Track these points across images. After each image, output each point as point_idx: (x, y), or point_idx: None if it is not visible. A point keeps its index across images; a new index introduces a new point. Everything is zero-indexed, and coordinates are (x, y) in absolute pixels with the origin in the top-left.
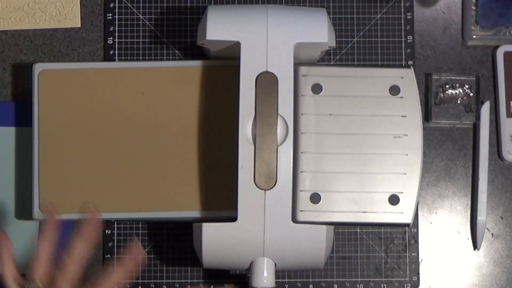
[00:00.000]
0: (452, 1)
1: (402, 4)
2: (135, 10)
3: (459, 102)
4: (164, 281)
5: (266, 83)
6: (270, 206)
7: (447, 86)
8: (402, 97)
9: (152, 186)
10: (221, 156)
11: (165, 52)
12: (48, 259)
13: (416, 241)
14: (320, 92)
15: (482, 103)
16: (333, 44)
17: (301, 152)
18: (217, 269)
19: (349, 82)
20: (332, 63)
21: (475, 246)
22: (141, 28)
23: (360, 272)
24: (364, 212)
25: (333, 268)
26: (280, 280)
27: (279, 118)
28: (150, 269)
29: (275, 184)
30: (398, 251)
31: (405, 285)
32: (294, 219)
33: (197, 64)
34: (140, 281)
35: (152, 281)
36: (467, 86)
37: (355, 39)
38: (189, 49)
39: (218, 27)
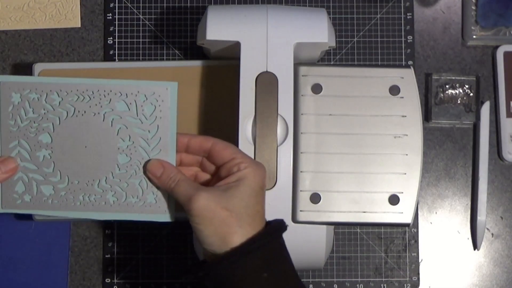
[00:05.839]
0: (452, 1)
1: (402, 4)
2: (135, 10)
3: (459, 102)
4: (164, 281)
5: (266, 83)
6: (270, 206)
7: (447, 86)
8: (402, 97)
9: None
10: None
11: (165, 52)
12: None
13: (416, 241)
14: (320, 92)
15: (482, 103)
16: (333, 44)
17: (301, 152)
18: None
19: (349, 82)
20: (332, 63)
21: (475, 246)
22: (141, 28)
23: (360, 272)
24: (364, 212)
25: (333, 268)
26: None
27: (279, 118)
28: (150, 269)
29: (275, 184)
30: (398, 251)
31: (405, 285)
32: (294, 219)
33: (197, 64)
34: (140, 281)
35: (152, 281)
36: (467, 86)
37: (355, 39)
38: (189, 49)
39: (218, 27)
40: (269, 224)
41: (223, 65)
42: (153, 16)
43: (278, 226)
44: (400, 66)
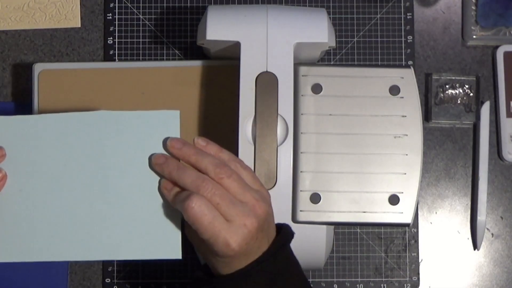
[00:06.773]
0: (452, 1)
1: (402, 4)
2: (135, 10)
3: (459, 102)
4: (164, 281)
5: (266, 83)
6: None
7: (447, 86)
8: (402, 97)
9: None
10: None
11: (165, 52)
12: None
13: (416, 241)
14: (320, 92)
15: (482, 103)
16: (333, 44)
17: (301, 152)
18: None
19: (349, 82)
20: (332, 63)
21: (475, 246)
22: (141, 28)
23: (360, 272)
24: (364, 212)
25: (333, 268)
26: None
27: (279, 118)
28: (150, 269)
29: (275, 184)
30: (398, 251)
31: (405, 285)
32: (294, 219)
33: (197, 64)
34: (140, 281)
35: (152, 281)
36: (467, 86)
37: (355, 39)
38: (189, 49)
39: (218, 27)
40: (279, 229)
41: (223, 65)
42: (153, 16)
43: (284, 240)
44: (400, 66)
